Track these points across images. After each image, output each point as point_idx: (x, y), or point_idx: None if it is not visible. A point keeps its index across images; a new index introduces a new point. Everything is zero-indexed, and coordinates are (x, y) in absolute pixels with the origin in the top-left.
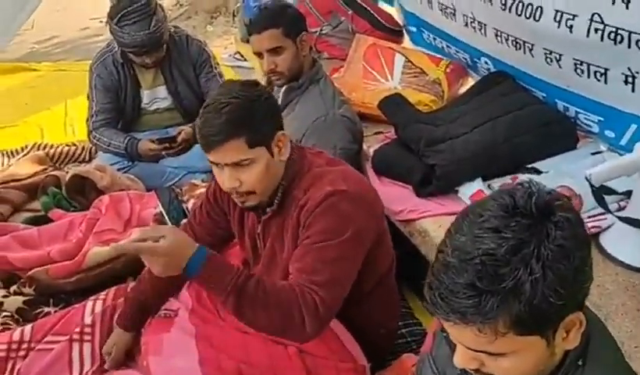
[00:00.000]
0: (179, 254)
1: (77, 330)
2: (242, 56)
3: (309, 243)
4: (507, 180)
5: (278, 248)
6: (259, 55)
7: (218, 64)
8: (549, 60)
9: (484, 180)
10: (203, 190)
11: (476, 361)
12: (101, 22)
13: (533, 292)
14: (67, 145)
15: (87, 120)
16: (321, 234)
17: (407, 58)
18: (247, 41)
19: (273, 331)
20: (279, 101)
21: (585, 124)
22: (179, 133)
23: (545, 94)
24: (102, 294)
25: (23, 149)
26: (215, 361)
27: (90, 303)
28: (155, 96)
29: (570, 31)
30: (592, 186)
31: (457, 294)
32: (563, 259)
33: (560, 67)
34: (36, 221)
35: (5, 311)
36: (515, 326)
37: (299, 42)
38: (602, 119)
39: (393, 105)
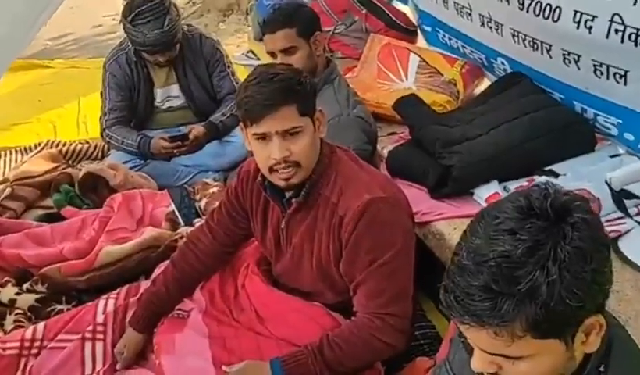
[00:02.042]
0: None
1: (89, 328)
2: (255, 55)
3: (364, 266)
4: (524, 182)
5: (307, 248)
6: (272, 54)
7: (231, 63)
8: (567, 61)
9: (500, 182)
10: (215, 189)
11: (493, 364)
12: (114, 19)
13: (550, 294)
14: (80, 143)
15: (100, 118)
16: (372, 252)
17: (421, 58)
18: (260, 40)
19: (370, 365)
20: None
21: (604, 127)
22: (191, 131)
23: (563, 96)
24: (114, 293)
25: (36, 146)
26: (227, 362)
27: (102, 302)
28: (168, 94)
29: (590, 32)
30: (611, 189)
31: (473, 296)
32: (580, 261)
33: (578, 68)
34: (49, 218)
35: (17, 308)
36: (532, 329)
37: (313, 42)
38: (620, 121)
39: (409, 106)
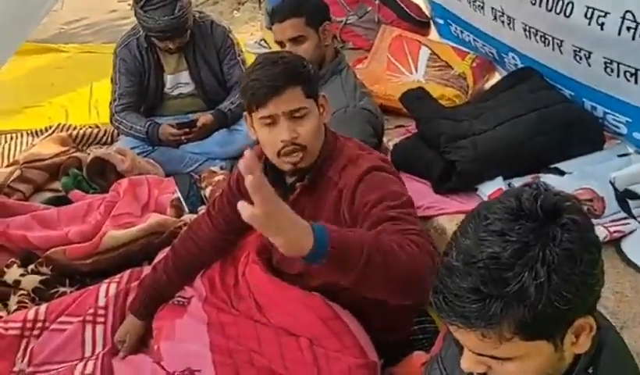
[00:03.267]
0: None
1: (91, 311)
2: (267, 43)
3: (371, 211)
4: (529, 179)
5: None
6: (281, 44)
7: (242, 51)
8: (578, 58)
9: (505, 178)
10: (221, 177)
11: (482, 365)
12: (129, 5)
13: (538, 296)
14: (90, 127)
15: (110, 103)
16: (379, 202)
17: (432, 51)
18: (270, 28)
19: (410, 277)
20: None
21: (613, 125)
22: (199, 118)
23: (572, 93)
24: (117, 277)
25: (47, 129)
26: (225, 348)
27: (104, 285)
28: (178, 81)
29: (602, 29)
30: (615, 189)
31: (461, 298)
32: (569, 263)
33: (589, 65)
34: (56, 201)
35: (22, 289)
36: (520, 331)
37: (321, 32)
38: (630, 120)
39: (415, 99)
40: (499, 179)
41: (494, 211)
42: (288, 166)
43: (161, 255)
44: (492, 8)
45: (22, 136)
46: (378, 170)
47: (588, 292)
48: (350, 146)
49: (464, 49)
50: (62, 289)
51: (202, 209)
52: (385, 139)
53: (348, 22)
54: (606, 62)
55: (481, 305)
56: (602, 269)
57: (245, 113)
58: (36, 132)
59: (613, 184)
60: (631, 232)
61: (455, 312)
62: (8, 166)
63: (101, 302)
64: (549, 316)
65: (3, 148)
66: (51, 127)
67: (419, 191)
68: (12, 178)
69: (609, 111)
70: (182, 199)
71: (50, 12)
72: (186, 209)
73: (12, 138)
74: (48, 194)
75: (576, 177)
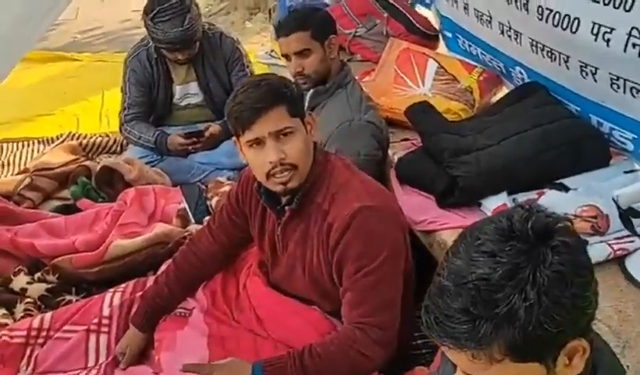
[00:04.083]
0: None
1: (95, 321)
2: (277, 54)
3: (349, 274)
4: (533, 195)
5: (299, 255)
6: (287, 57)
7: (250, 62)
8: (584, 73)
9: (510, 194)
10: (227, 188)
11: None
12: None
13: (528, 318)
14: (100, 136)
15: (120, 113)
16: (357, 261)
17: (439, 64)
18: None
19: None
20: (306, 104)
21: (620, 141)
22: (207, 128)
23: (579, 108)
24: (121, 287)
25: (57, 138)
26: None
27: (108, 295)
28: (187, 92)
29: (608, 45)
30: (618, 208)
31: (451, 318)
32: (559, 285)
33: (595, 81)
34: (65, 210)
35: (28, 297)
36: (511, 353)
37: (327, 45)
38: (636, 136)
39: (420, 112)
40: (504, 194)
41: (485, 231)
42: (279, 187)
43: (164, 267)
44: (500, 23)
45: (33, 144)
46: (367, 210)
47: (579, 315)
48: (339, 168)
49: (472, 63)
50: (67, 297)
51: (207, 219)
52: (390, 152)
53: (357, 34)
54: (612, 78)
55: (471, 326)
56: (595, 291)
57: (233, 138)
58: (46, 140)
59: (616, 202)
60: (635, 250)
61: (446, 332)
62: (18, 173)
63: (106, 312)
64: (539, 338)
65: (14, 155)
66: (61, 136)
67: (423, 204)
68: (22, 186)
69: (615, 127)
70: (188, 209)
71: (64, 21)
72: (192, 220)
73: (23, 146)
74: (57, 203)
75: (581, 194)
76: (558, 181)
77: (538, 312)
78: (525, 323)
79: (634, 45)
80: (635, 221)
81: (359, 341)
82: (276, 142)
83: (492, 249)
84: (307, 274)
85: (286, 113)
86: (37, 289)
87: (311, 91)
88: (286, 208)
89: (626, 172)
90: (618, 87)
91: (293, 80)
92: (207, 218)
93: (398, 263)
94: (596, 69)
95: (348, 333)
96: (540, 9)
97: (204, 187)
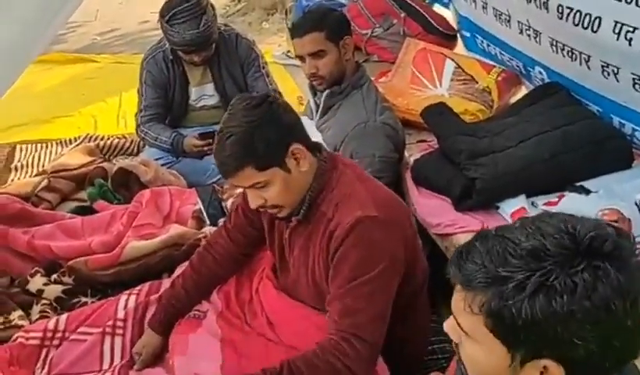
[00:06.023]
0: None
1: (110, 323)
2: (292, 54)
3: (344, 281)
4: (553, 198)
5: (303, 262)
6: (301, 58)
7: (266, 63)
8: (605, 73)
9: (528, 196)
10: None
11: (457, 333)
12: None
13: (511, 297)
14: (117, 138)
15: (136, 114)
16: (354, 270)
17: (457, 64)
18: None
19: None
20: (321, 106)
21: None
22: None
23: (600, 109)
24: (136, 289)
25: (75, 139)
26: (236, 366)
27: (123, 297)
28: (203, 93)
29: (630, 44)
30: None
31: (469, 255)
32: (556, 299)
33: (617, 81)
34: (82, 211)
35: (44, 299)
36: (486, 315)
37: (342, 46)
38: None
39: (436, 114)
40: (522, 197)
41: (553, 224)
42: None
43: (179, 270)
44: (519, 22)
45: (51, 145)
46: (369, 220)
47: (555, 334)
48: (347, 176)
49: (490, 63)
50: (83, 299)
51: (222, 221)
52: (406, 154)
53: (374, 34)
54: (634, 79)
55: (476, 269)
56: (600, 336)
57: None
58: (64, 142)
59: (638, 206)
60: None
61: (459, 267)
62: (36, 175)
63: (120, 314)
64: (505, 321)
65: (33, 157)
66: (79, 137)
67: (439, 207)
68: (39, 187)
69: (638, 128)
70: (203, 211)
71: (84, 23)
72: (207, 221)
73: (41, 148)
74: (74, 204)
75: (602, 197)
76: (578, 184)
77: (522, 301)
78: (507, 298)
79: None
80: None
81: (345, 352)
82: (254, 191)
83: (546, 232)
84: (311, 282)
85: (253, 171)
86: (54, 291)
87: (326, 92)
88: (293, 218)
89: None
90: None
91: (308, 83)
92: (222, 219)
93: (394, 277)
94: (618, 69)
95: (333, 344)
96: (560, 8)
97: (219, 188)
